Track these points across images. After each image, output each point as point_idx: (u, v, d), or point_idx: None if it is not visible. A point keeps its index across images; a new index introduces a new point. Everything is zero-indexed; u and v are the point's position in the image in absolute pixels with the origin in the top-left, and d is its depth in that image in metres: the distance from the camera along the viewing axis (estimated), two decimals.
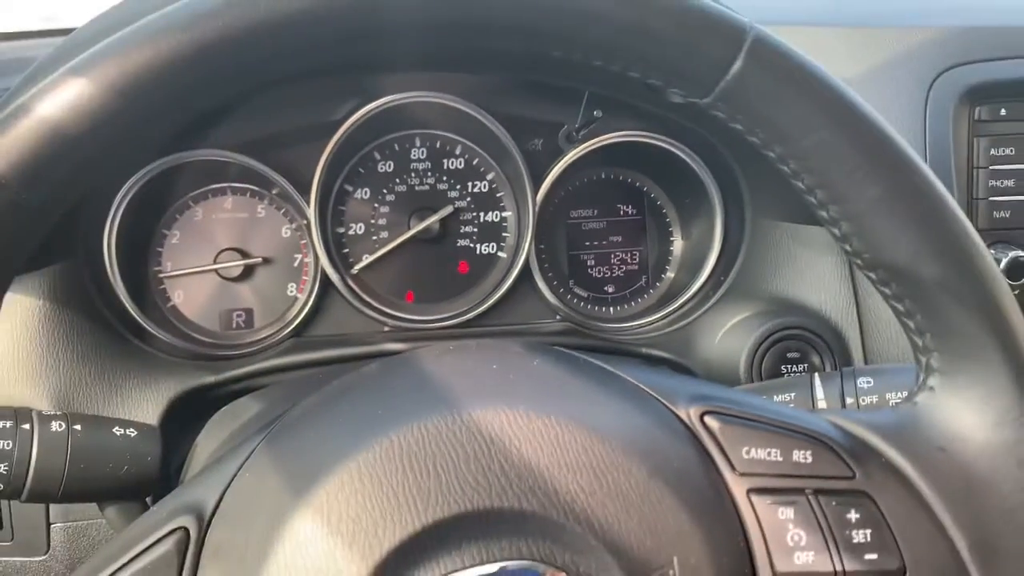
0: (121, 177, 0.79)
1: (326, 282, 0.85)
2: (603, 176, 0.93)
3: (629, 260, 0.94)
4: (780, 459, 0.44)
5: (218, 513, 0.43)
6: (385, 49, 0.45)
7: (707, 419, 0.45)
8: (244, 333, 0.87)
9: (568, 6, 0.46)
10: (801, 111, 0.48)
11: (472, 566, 0.38)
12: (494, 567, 0.39)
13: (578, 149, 0.85)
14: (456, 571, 0.38)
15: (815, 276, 0.80)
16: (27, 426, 0.59)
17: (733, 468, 0.44)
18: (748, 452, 0.44)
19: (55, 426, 0.60)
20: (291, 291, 0.89)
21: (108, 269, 0.79)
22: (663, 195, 0.93)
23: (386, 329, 0.87)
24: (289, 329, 0.86)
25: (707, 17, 0.48)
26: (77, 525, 0.73)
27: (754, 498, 0.43)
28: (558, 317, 0.89)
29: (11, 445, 0.58)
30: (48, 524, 0.73)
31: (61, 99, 0.41)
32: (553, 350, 0.55)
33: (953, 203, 0.45)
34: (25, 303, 0.73)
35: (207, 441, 0.67)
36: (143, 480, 0.63)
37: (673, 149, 0.84)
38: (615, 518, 0.40)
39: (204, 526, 0.43)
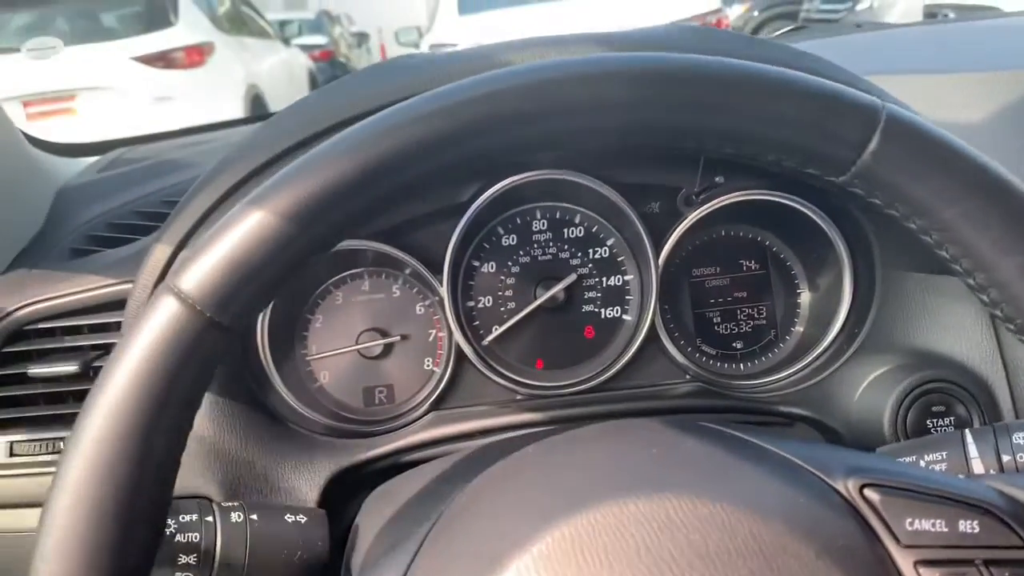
0: None
1: (460, 355, 0.89)
2: (723, 233, 0.94)
3: (756, 315, 0.93)
4: (946, 530, 0.44)
5: None
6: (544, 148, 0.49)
7: (867, 491, 0.45)
8: (386, 408, 0.92)
9: (706, 102, 0.48)
10: (940, 184, 0.49)
11: None
12: None
13: (696, 212, 0.86)
14: None
15: (954, 326, 0.78)
16: (210, 518, 0.63)
17: (897, 541, 0.44)
18: (912, 524, 0.44)
19: (235, 516, 0.64)
20: (428, 365, 0.93)
21: (263, 357, 0.85)
22: (787, 248, 0.93)
23: (519, 397, 0.90)
24: (429, 403, 0.89)
25: (841, 100, 0.49)
26: None
27: (922, 570, 0.43)
28: (687, 377, 0.90)
29: (198, 537, 0.62)
30: None
31: (245, 231, 0.46)
32: (702, 427, 0.56)
33: None
34: None
35: (368, 522, 0.70)
36: (315, 565, 0.67)
37: (796, 205, 0.84)
38: None
39: None
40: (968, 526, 0.44)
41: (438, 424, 0.86)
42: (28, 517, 0.82)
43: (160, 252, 0.75)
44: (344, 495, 0.80)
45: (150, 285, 0.75)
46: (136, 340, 0.45)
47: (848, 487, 0.46)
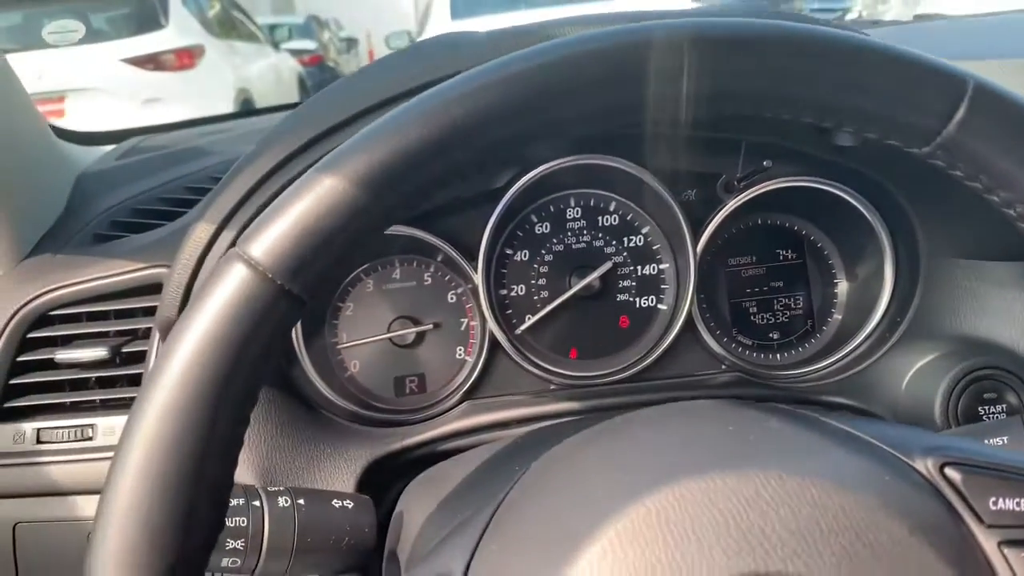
0: None
1: (493, 344, 0.87)
2: (759, 222, 0.93)
3: (793, 305, 0.93)
4: None
5: None
6: (619, 123, 0.47)
7: (947, 470, 0.44)
8: (418, 398, 0.90)
9: (791, 69, 0.47)
10: None
11: None
12: None
13: (738, 198, 0.85)
14: None
15: (1003, 312, 0.77)
16: (257, 503, 0.61)
17: (980, 520, 0.42)
18: (996, 503, 0.43)
19: (282, 502, 0.62)
20: (460, 354, 0.91)
21: (296, 344, 0.83)
22: (824, 237, 0.92)
23: (552, 387, 0.88)
24: (461, 392, 0.88)
25: (928, 69, 0.48)
26: None
27: (1007, 551, 0.42)
28: (724, 367, 0.89)
29: (246, 522, 0.60)
30: None
31: (316, 197, 0.44)
32: (773, 407, 0.55)
33: None
34: None
35: (413, 509, 0.68)
36: (363, 551, 0.65)
37: (837, 192, 0.84)
38: None
39: None
40: None
41: (472, 413, 0.85)
42: (54, 505, 0.79)
43: (202, 231, 0.73)
44: (381, 484, 0.78)
45: (191, 264, 0.73)
46: (204, 308, 0.43)
47: (928, 466, 0.45)
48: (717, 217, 0.86)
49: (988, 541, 0.42)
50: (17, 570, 0.80)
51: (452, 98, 0.47)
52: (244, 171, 0.74)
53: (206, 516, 0.43)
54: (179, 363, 0.42)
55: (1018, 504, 0.43)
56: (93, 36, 5.69)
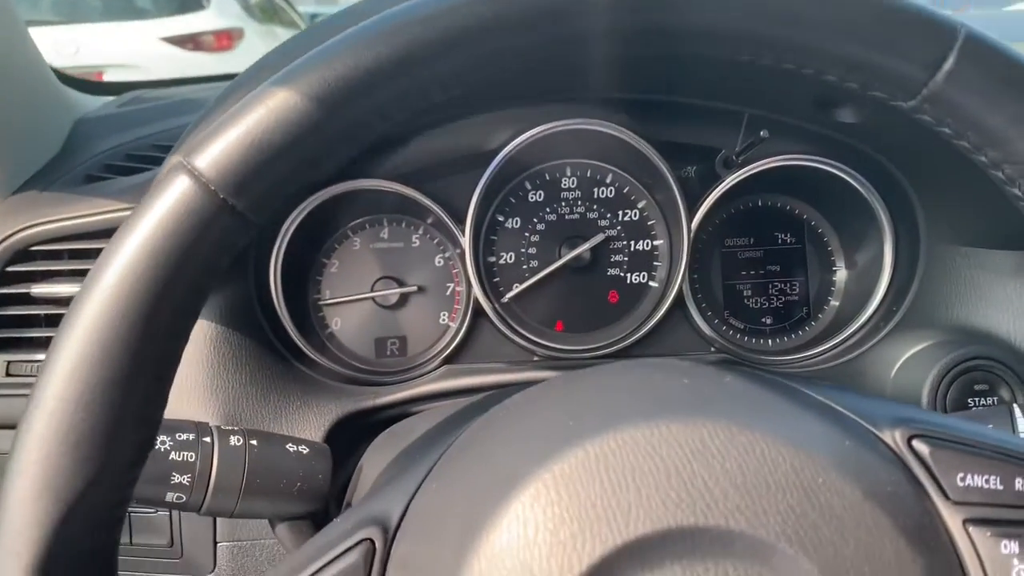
0: (288, 206, 0.82)
1: (478, 311, 0.85)
2: (760, 203, 0.90)
3: (788, 290, 0.90)
4: (1000, 487, 0.40)
5: (404, 525, 0.43)
6: (580, 56, 0.45)
7: (915, 443, 0.42)
8: (398, 360, 0.88)
9: (770, 7, 0.45)
10: (1019, 110, 0.45)
11: None
12: None
13: (736, 175, 0.82)
14: None
15: (1001, 303, 0.74)
16: (208, 439, 0.60)
17: (946, 496, 0.40)
18: (963, 479, 0.40)
19: (233, 440, 0.61)
20: (443, 319, 0.89)
21: (274, 296, 0.82)
22: (824, 222, 0.89)
23: (536, 358, 0.86)
24: (441, 357, 0.86)
25: (916, 15, 0.45)
26: (242, 545, 0.74)
27: (972, 529, 0.39)
28: (713, 349, 0.86)
29: (194, 458, 0.59)
30: (215, 543, 0.74)
31: (267, 110, 0.42)
32: (740, 368, 0.52)
33: None
34: (198, 325, 0.76)
35: (373, 460, 0.67)
36: (314, 498, 0.63)
37: (838, 172, 0.81)
38: (829, 542, 0.36)
39: (390, 538, 0.42)
40: None
41: (450, 376, 0.83)
42: None
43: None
44: (351, 441, 0.77)
45: None
46: (144, 217, 0.41)
47: (895, 438, 0.42)
48: (714, 193, 0.83)
49: (953, 518, 0.40)
50: None
51: (416, 18, 0.45)
52: (217, 107, 0.73)
53: (133, 433, 0.41)
54: (115, 269, 0.41)
55: (987, 481, 0.40)
56: (136, 13, 5.77)
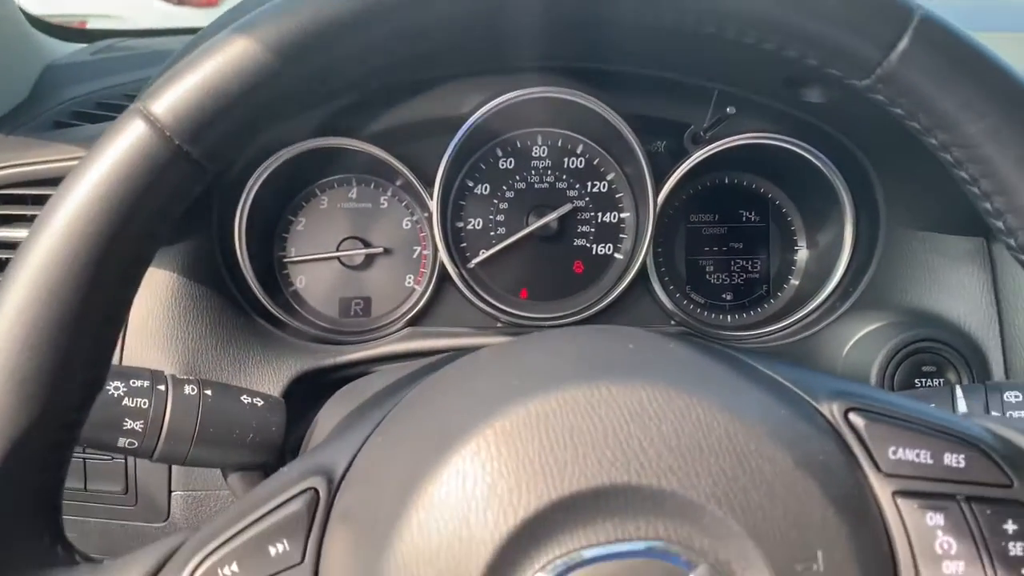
0: (255, 161, 0.81)
1: (443, 275, 0.86)
2: (726, 181, 0.91)
3: (750, 268, 0.91)
4: (930, 462, 0.41)
5: (348, 476, 0.43)
6: (533, 25, 0.45)
7: (851, 416, 0.43)
8: (361, 321, 0.89)
9: None
10: (969, 95, 0.46)
11: (606, 543, 0.37)
12: (629, 546, 0.37)
13: (703, 151, 0.83)
14: (590, 547, 0.37)
15: (954, 288, 0.76)
16: (162, 387, 0.61)
17: (878, 468, 0.41)
18: (895, 452, 0.42)
19: (188, 389, 0.61)
20: (409, 282, 0.90)
21: (238, 251, 0.82)
22: (789, 202, 0.90)
23: (499, 324, 0.87)
24: (405, 319, 0.87)
25: None
26: (196, 495, 0.75)
27: (900, 501, 0.41)
28: (673, 323, 0.87)
29: (147, 404, 0.59)
30: (169, 492, 0.75)
31: (225, 58, 0.42)
32: (686, 337, 0.53)
33: None
34: (159, 275, 0.76)
35: (328, 416, 0.68)
36: (267, 449, 0.64)
37: (804, 153, 0.82)
38: (759, 506, 0.38)
39: (334, 488, 0.43)
40: (954, 460, 0.41)
41: (413, 339, 0.84)
42: None
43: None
44: (310, 398, 0.77)
45: None
46: (98, 160, 0.41)
47: (832, 410, 0.44)
48: (681, 168, 0.84)
49: (883, 489, 0.41)
50: None
51: None
52: (179, 56, 0.73)
53: (79, 374, 0.42)
54: (64, 213, 0.41)
55: (917, 455, 0.42)
56: None
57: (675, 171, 0.84)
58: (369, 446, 0.45)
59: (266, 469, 0.66)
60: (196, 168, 0.43)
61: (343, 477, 0.44)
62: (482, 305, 0.86)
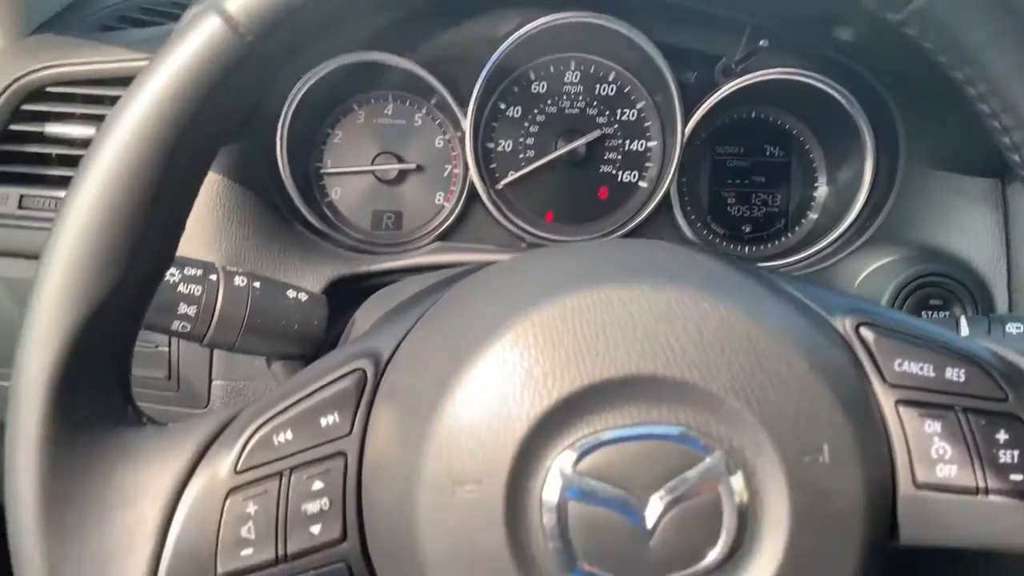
0: (297, 72, 0.84)
1: (472, 194, 0.89)
2: (752, 115, 0.93)
3: (770, 202, 0.94)
4: (932, 375, 0.45)
5: (394, 359, 0.47)
6: None
7: (862, 330, 0.46)
8: (392, 234, 0.92)
9: None
10: (995, 31, 0.48)
11: (632, 425, 0.41)
12: (652, 429, 0.41)
13: (733, 83, 0.85)
14: (617, 427, 0.40)
15: (965, 226, 0.78)
16: (214, 277, 0.64)
17: (884, 379, 0.45)
18: (900, 365, 0.45)
19: (238, 280, 0.65)
20: (439, 200, 0.93)
21: (279, 159, 0.85)
22: (812, 139, 0.92)
23: (524, 245, 0.90)
24: (435, 235, 0.90)
25: None
26: (235, 385, 0.80)
27: (902, 409, 0.44)
28: None
29: (200, 291, 0.63)
30: (210, 381, 0.80)
31: None
32: (711, 250, 0.56)
33: None
34: (207, 178, 0.79)
35: (366, 315, 0.71)
36: (309, 341, 0.68)
37: (830, 90, 0.84)
38: (773, 402, 0.41)
39: (380, 370, 0.46)
40: (955, 374, 0.44)
41: (442, 252, 0.87)
42: (28, 268, 0.82)
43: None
44: (345, 304, 0.81)
45: None
46: (174, 53, 0.44)
47: (845, 324, 0.47)
48: (711, 100, 0.86)
49: (887, 398, 0.44)
50: None
51: None
52: None
53: (152, 249, 0.45)
54: (143, 102, 0.43)
55: (921, 368, 0.45)
56: None
57: (705, 102, 0.86)
58: (414, 334, 0.49)
59: (307, 360, 0.70)
60: (264, 66, 0.46)
61: (389, 360, 0.47)
62: (509, 225, 0.89)
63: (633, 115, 0.92)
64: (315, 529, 0.43)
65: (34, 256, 0.83)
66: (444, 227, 0.90)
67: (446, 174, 0.93)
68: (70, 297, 0.42)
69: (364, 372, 0.46)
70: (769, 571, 0.40)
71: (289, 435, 0.45)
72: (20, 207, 0.82)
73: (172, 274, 0.63)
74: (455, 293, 0.52)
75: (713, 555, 0.40)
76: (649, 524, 0.40)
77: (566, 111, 0.92)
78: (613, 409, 0.41)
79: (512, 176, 0.91)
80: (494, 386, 0.41)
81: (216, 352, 0.80)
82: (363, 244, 0.89)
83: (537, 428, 0.40)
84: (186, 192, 0.46)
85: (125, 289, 0.44)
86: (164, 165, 0.43)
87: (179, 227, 0.47)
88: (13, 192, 0.82)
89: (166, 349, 0.79)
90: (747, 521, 0.40)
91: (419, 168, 0.92)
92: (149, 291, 0.47)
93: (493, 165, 0.92)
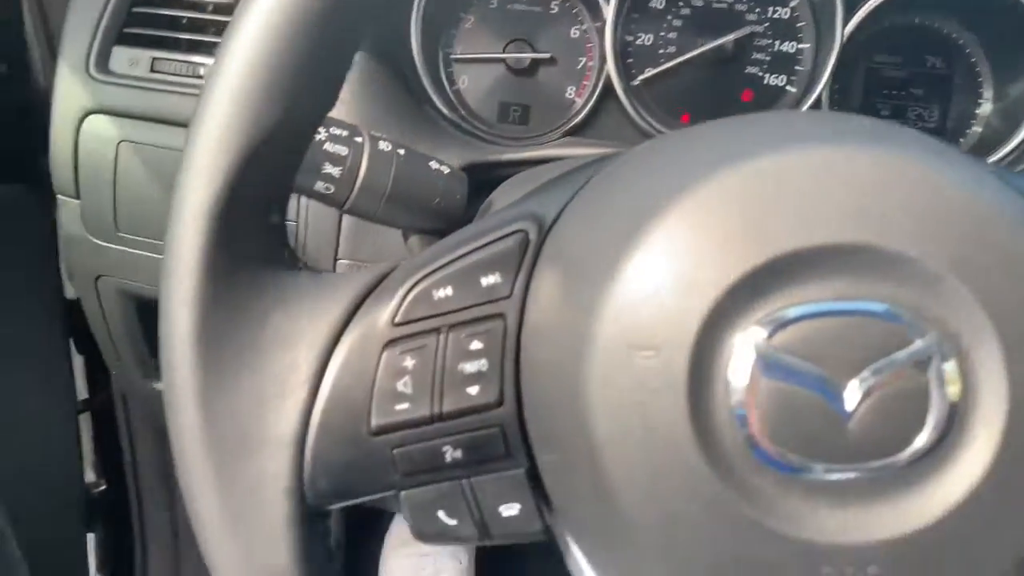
0: None
1: (607, 89, 0.84)
2: (915, 22, 0.86)
3: (927, 116, 0.87)
4: None
5: (559, 222, 0.44)
6: None
7: None
8: (518, 128, 0.89)
9: None
10: None
11: (835, 300, 0.36)
12: (859, 304, 0.36)
13: None
14: (818, 300, 0.36)
15: None
16: (359, 139, 0.62)
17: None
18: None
19: (383, 145, 0.62)
20: (570, 94, 0.88)
21: (412, 42, 0.82)
22: (980, 51, 0.85)
23: None
24: (563, 131, 0.86)
25: None
26: (360, 265, 0.78)
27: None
28: None
29: (346, 152, 0.61)
30: (335, 259, 0.78)
31: None
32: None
33: None
34: None
35: (505, 194, 0.68)
36: (448, 216, 0.65)
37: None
38: (1000, 288, 0.36)
39: (544, 232, 0.43)
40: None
41: (574, 145, 0.83)
42: (157, 131, 0.81)
43: None
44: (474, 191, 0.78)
45: None
46: None
47: None
48: (873, 1, 0.79)
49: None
50: (116, 178, 0.84)
51: None
52: None
53: (313, 90, 0.42)
54: None
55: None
56: None
57: (867, 3, 0.80)
58: (583, 195, 0.45)
59: (445, 236, 0.67)
60: None
61: (553, 223, 0.44)
62: (643, 124, 0.84)
63: (786, 13, 0.85)
64: (472, 390, 0.41)
65: (163, 121, 0.83)
66: (574, 123, 0.86)
67: (579, 67, 0.88)
68: (233, 129, 0.40)
69: (526, 234, 0.43)
70: (977, 470, 0.36)
71: (449, 291, 0.43)
72: (152, 70, 0.81)
73: (319, 131, 0.60)
74: (619, 163, 0.48)
75: (916, 446, 0.36)
76: (849, 407, 0.36)
77: (713, 5, 0.86)
78: (817, 280, 0.36)
79: (650, 72, 0.86)
80: (683, 248, 0.37)
81: (344, 229, 0.78)
82: (489, 135, 0.85)
83: (729, 295, 0.36)
84: (350, 34, 0.43)
85: (286, 126, 0.41)
86: (316, 36, 0.40)
87: (340, 68, 0.44)
88: (145, 55, 0.81)
89: (293, 223, 0.77)
90: (956, 415, 0.36)
91: (551, 60, 0.88)
92: (308, 134, 0.44)
93: (630, 60, 0.87)
